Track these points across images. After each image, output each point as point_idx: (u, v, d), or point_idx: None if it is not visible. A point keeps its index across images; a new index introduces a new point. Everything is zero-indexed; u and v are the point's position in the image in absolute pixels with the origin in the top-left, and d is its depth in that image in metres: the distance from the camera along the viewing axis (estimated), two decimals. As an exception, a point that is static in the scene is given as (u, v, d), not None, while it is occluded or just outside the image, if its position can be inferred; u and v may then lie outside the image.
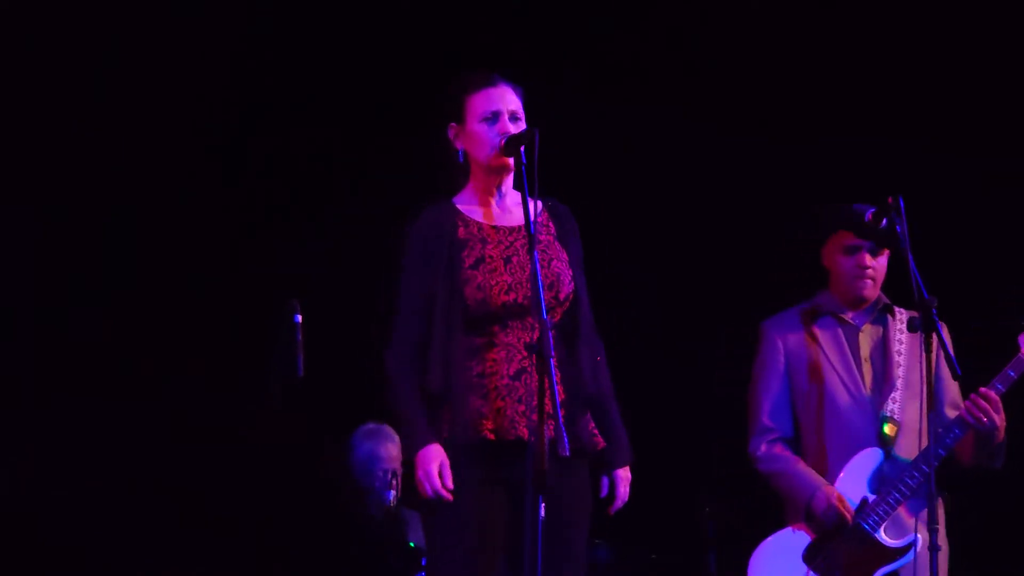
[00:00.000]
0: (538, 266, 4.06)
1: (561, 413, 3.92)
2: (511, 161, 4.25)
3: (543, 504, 3.92)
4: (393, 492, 5.73)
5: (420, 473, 4.15)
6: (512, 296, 4.20)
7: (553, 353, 3.96)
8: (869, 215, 4.69)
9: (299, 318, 4.46)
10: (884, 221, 4.60)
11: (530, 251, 4.10)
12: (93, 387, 6.31)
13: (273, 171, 6.54)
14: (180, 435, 6.24)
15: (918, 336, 5.01)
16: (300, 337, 4.45)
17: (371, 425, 5.89)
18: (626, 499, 4.35)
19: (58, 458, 6.33)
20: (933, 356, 4.94)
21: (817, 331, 5.09)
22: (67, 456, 6.34)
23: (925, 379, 4.47)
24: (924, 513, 4.89)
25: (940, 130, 6.42)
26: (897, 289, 5.08)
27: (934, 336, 4.49)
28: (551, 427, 3.91)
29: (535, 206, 4.14)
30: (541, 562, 3.90)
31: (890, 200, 4.58)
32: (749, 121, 6.65)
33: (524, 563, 3.96)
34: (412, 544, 5.60)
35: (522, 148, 4.17)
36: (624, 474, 4.36)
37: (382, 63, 6.58)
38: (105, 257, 6.43)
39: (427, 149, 4.43)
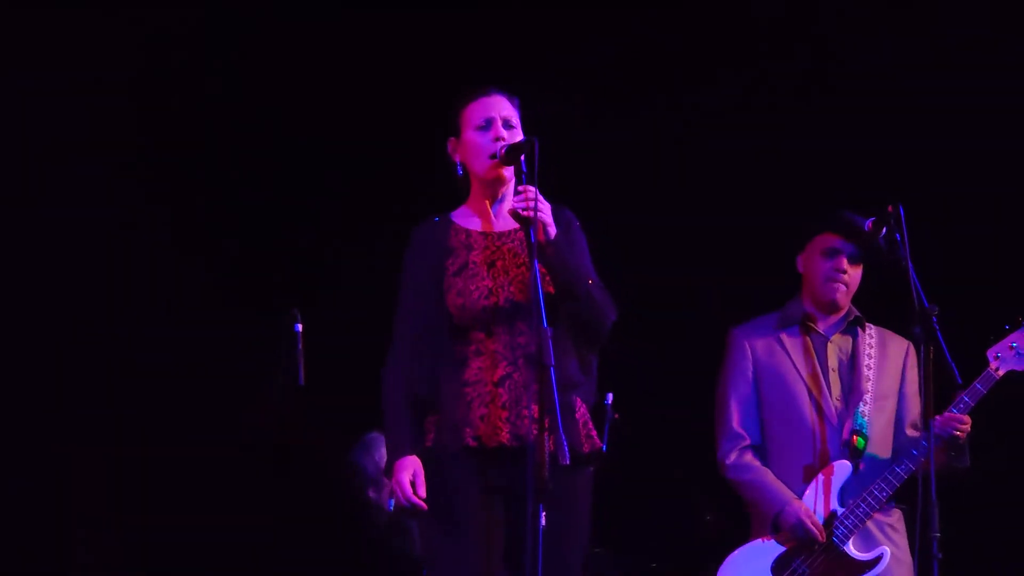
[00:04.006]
0: (537, 274, 4.02)
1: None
2: (505, 172, 4.25)
3: (543, 513, 3.91)
4: (393, 501, 5.74)
5: (393, 483, 4.19)
6: (492, 301, 4.19)
7: (552, 361, 3.92)
8: (869, 224, 4.68)
9: (300, 327, 4.47)
10: (884, 230, 4.60)
11: (531, 260, 4.06)
12: (94, 389, 6.32)
13: (276, 178, 6.54)
14: (185, 440, 6.25)
15: (888, 349, 5.06)
16: (301, 346, 4.46)
17: (375, 434, 5.89)
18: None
19: (62, 460, 6.34)
20: (910, 371, 5.01)
21: (786, 339, 5.07)
22: (70, 457, 6.35)
23: (925, 387, 4.48)
24: (891, 524, 4.93)
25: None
26: (867, 305, 5.10)
27: (925, 346, 4.49)
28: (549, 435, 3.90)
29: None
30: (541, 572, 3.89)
31: (890, 208, 4.58)
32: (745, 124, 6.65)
33: (524, 572, 3.94)
34: (413, 553, 5.61)
35: (522, 157, 4.15)
36: None
37: (379, 66, 6.58)
38: (106, 260, 6.44)
39: (426, 161, 4.43)
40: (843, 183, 6.25)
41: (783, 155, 6.57)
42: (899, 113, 6.43)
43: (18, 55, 6.24)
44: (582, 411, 4.26)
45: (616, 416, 5.75)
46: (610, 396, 5.71)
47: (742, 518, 5.14)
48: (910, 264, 4.54)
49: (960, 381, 4.59)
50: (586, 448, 4.22)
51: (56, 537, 6.32)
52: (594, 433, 4.27)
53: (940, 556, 4.43)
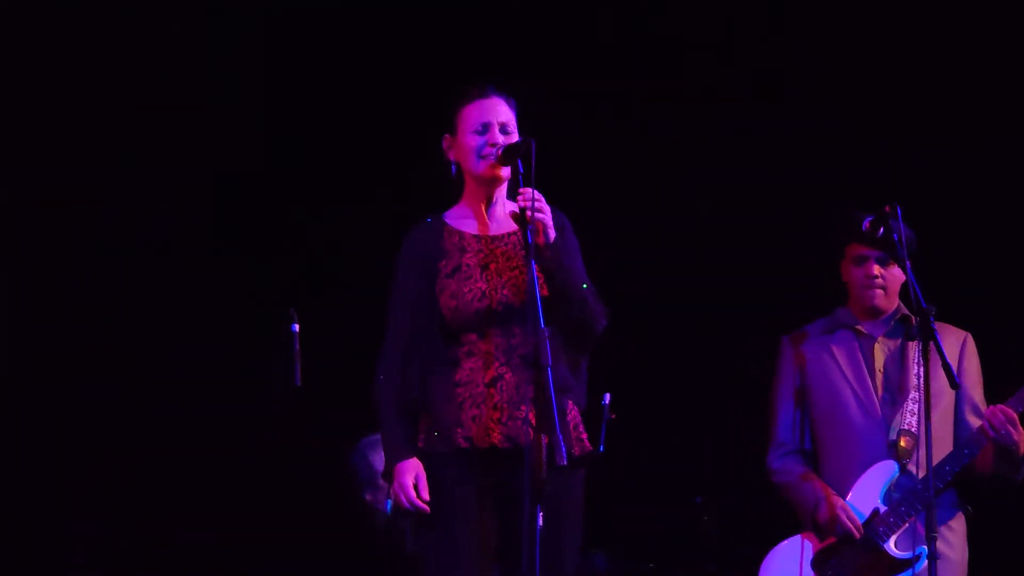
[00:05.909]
0: (535, 275, 4.02)
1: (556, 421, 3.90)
2: (502, 172, 4.26)
3: (540, 514, 3.91)
4: (391, 503, 5.74)
5: (395, 486, 4.20)
6: (485, 303, 4.21)
7: (550, 362, 3.93)
8: (866, 224, 4.67)
9: (296, 327, 4.47)
10: (881, 229, 4.58)
11: (527, 261, 4.06)
12: (98, 392, 6.32)
13: (275, 178, 6.54)
14: (185, 441, 6.25)
15: (941, 344, 5.01)
16: (297, 346, 4.46)
17: (372, 437, 5.89)
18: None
19: (62, 460, 6.35)
20: (967, 360, 4.98)
21: (833, 345, 5.09)
22: (75, 459, 6.36)
23: (922, 387, 4.46)
24: (948, 525, 4.92)
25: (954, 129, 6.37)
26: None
27: (930, 344, 4.47)
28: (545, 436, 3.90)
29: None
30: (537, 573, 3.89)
31: (887, 208, 4.56)
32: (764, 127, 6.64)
33: (521, 573, 3.94)
34: (409, 554, 5.60)
35: (519, 159, 4.15)
36: None
37: (379, 66, 6.58)
38: (103, 260, 6.44)
39: (425, 159, 4.43)
40: (844, 183, 6.26)
41: (781, 155, 6.57)
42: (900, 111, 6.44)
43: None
44: (573, 414, 4.28)
45: (613, 417, 5.75)
46: (607, 397, 5.71)
47: (739, 519, 5.14)
48: (907, 264, 4.53)
49: (958, 382, 4.58)
50: (577, 451, 4.24)
51: (56, 537, 6.32)
52: (584, 436, 4.29)
53: (939, 556, 4.44)
